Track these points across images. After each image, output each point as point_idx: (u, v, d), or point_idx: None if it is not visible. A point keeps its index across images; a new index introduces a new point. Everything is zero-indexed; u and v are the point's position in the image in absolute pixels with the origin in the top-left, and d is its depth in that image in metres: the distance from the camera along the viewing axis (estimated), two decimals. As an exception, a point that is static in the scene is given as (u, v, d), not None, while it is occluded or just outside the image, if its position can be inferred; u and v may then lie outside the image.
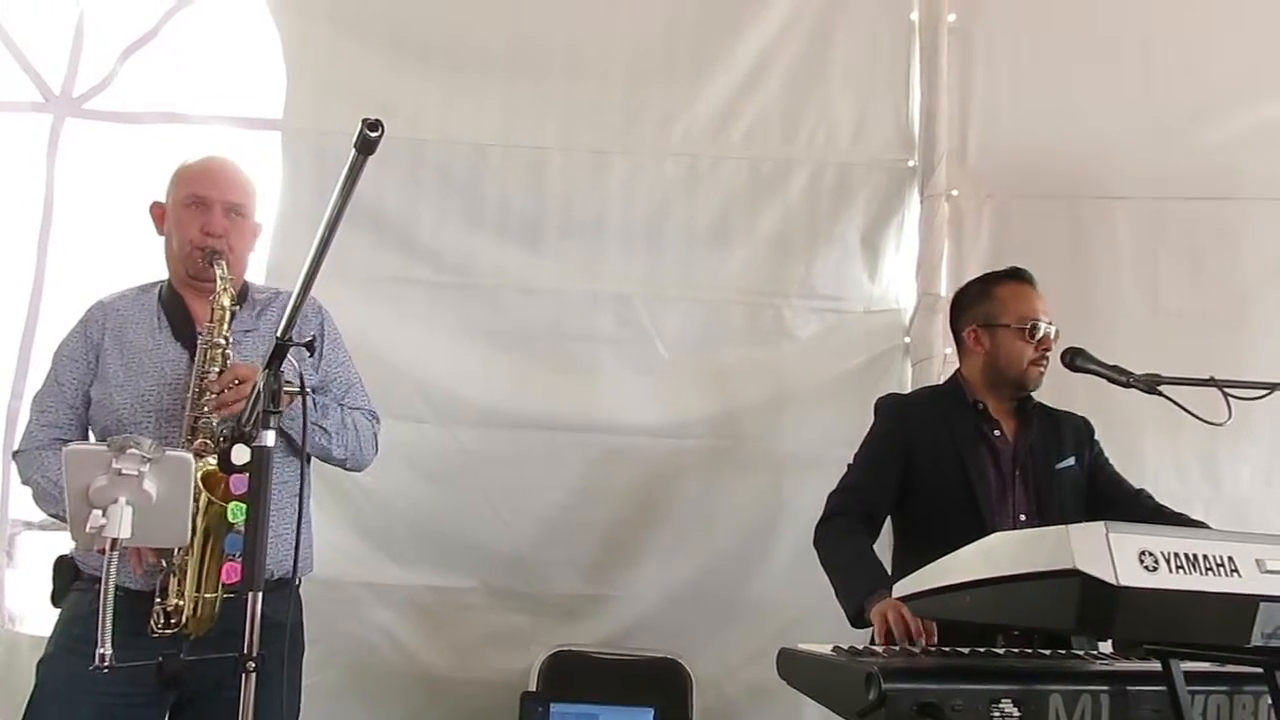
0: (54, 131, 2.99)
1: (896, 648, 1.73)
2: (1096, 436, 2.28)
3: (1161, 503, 2.18)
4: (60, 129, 3.00)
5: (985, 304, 2.26)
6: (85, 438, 1.98)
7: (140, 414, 1.92)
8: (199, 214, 1.98)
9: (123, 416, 1.92)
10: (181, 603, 1.79)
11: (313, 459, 2.07)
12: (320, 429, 2.01)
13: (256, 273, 2.75)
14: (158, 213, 2.07)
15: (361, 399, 2.17)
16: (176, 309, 2.02)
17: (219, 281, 1.91)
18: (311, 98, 2.95)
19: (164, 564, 1.79)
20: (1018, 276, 2.25)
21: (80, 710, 1.80)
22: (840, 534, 2.12)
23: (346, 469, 2.14)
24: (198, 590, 1.78)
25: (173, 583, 1.80)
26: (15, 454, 2.03)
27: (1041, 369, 2.18)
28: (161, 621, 1.78)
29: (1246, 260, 2.88)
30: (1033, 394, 2.23)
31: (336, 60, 2.96)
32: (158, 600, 1.79)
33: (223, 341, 1.89)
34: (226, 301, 1.91)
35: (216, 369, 1.87)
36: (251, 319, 2.05)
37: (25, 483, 2.00)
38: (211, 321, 1.91)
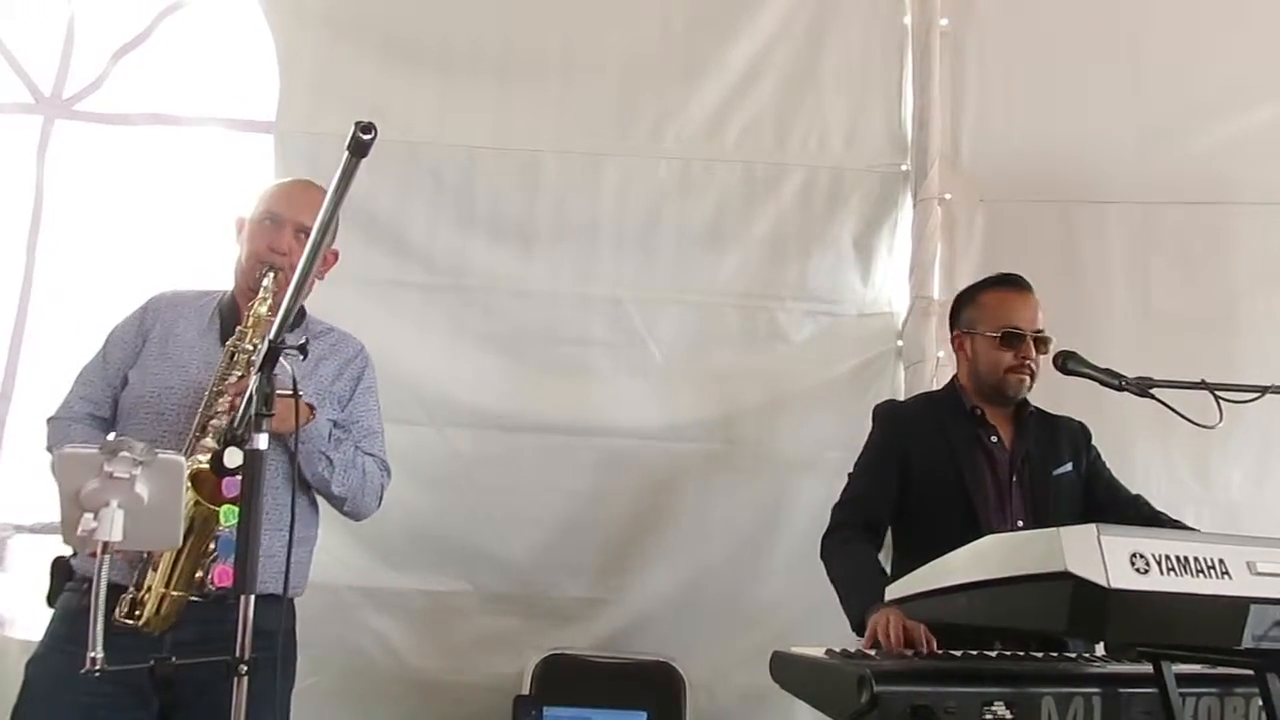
0: (44, 133, 2.98)
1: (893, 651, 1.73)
2: (1093, 442, 2.28)
3: (1159, 510, 2.17)
4: (50, 130, 2.99)
5: (971, 309, 2.27)
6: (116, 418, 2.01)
7: (165, 405, 1.94)
8: (270, 231, 2.01)
9: (147, 403, 1.95)
10: (146, 597, 1.77)
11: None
12: (325, 459, 1.99)
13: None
14: (240, 225, 2.09)
15: (378, 448, 2.15)
16: (231, 317, 2.03)
17: (262, 291, 1.93)
18: (304, 100, 2.94)
19: (144, 555, 1.77)
20: (1006, 283, 2.25)
21: (65, 710, 1.78)
22: (843, 546, 2.12)
23: (343, 512, 2.10)
24: (166, 586, 1.76)
25: (150, 575, 1.78)
26: (49, 420, 2.05)
27: (1021, 377, 2.17)
28: (124, 611, 1.76)
29: (1237, 264, 2.89)
30: (1028, 399, 2.23)
31: (329, 63, 2.95)
32: (131, 590, 1.77)
33: (250, 349, 1.89)
34: (264, 310, 1.92)
35: (238, 374, 1.87)
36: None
37: (49, 449, 2.01)
38: (245, 327, 1.91)
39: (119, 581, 1.79)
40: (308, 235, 1.98)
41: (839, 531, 2.16)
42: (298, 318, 2.07)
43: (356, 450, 2.07)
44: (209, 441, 1.82)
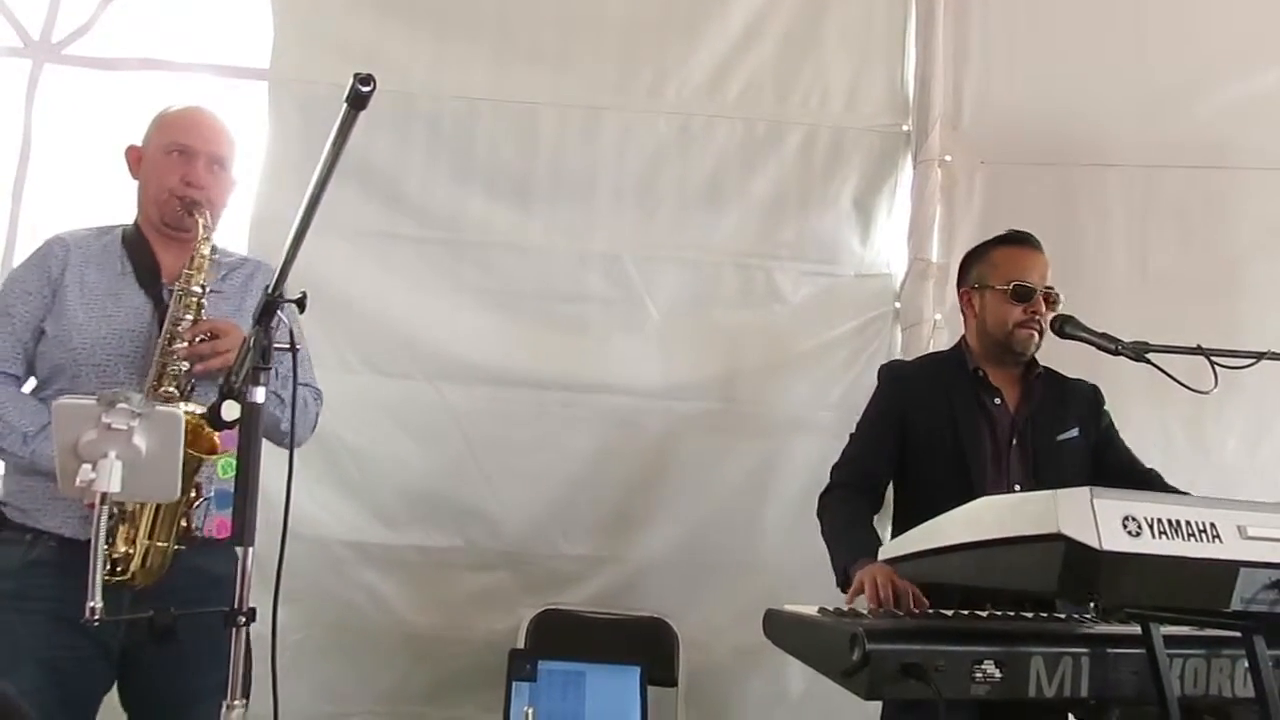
0: (32, 77, 2.92)
1: (883, 610, 1.75)
2: (1107, 408, 2.25)
3: (1172, 485, 2.14)
4: (39, 75, 2.93)
5: (981, 265, 2.25)
6: (30, 373, 1.94)
7: (101, 357, 1.88)
8: (181, 163, 1.95)
9: (80, 358, 1.87)
10: (131, 550, 1.75)
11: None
12: (278, 398, 1.94)
13: (241, 224, 2.72)
14: (133, 156, 2.03)
15: (310, 375, 2.12)
16: (142, 255, 1.97)
17: (201, 230, 1.89)
18: (299, 48, 2.88)
19: (114, 510, 1.74)
20: (1016, 240, 2.23)
21: (24, 669, 1.73)
22: (837, 505, 2.13)
23: (280, 444, 2.03)
24: (149, 537, 1.75)
25: (122, 530, 1.76)
26: None
27: (1030, 332, 2.15)
28: (108, 569, 1.73)
29: (1236, 229, 2.88)
30: (1036, 359, 2.21)
31: (325, 10, 2.89)
32: (105, 547, 1.75)
33: (199, 290, 1.87)
34: (207, 251, 1.89)
35: (190, 317, 1.85)
36: (216, 280, 1.99)
37: None
38: (191, 269, 1.88)
39: (76, 536, 1.77)
40: (220, 166, 1.98)
41: (834, 490, 2.17)
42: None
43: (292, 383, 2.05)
44: (169, 389, 1.81)
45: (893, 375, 2.30)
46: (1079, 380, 2.27)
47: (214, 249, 1.99)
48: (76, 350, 1.88)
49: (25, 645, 1.75)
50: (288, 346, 1.46)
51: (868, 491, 2.16)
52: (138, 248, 1.98)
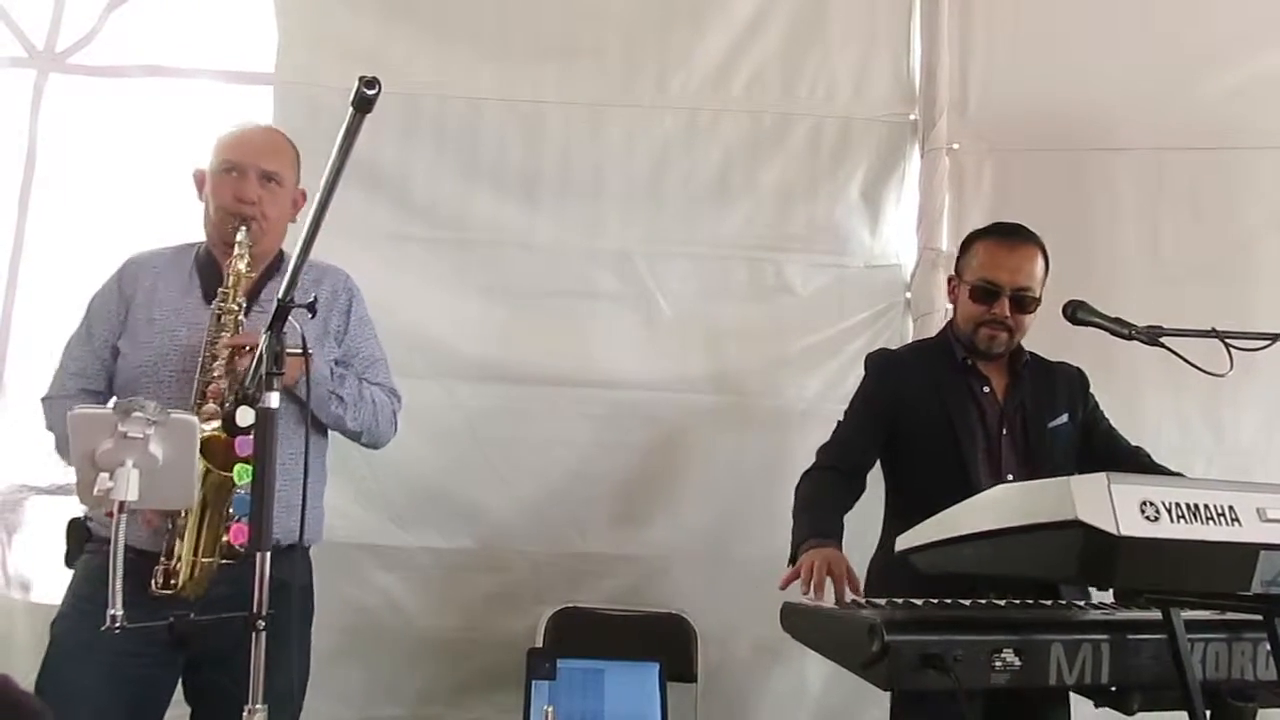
0: (37, 87, 2.93)
1: (899, 601, 1.74)
2: (1091, 389, 2.25)
3: (1159, 463, 2.15)
4: (44, 84, 2.94)
5: (963, 257, 2.25)
6: (111, 389, 2.00)
7: (163, 372, 1.93)
8: (234, 182, 1.99)
9: (144, 371, 1.94)
10: (179, 565, 1.80)
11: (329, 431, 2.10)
12: (336, 397, 2.01)
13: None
14: (199, 178, 2.07)
15: (383, 376, 2.18)
16: (211, 273, 2.02)
17: (237, 246, 1.92)
18: (303, 52, 2.89)
19: (170, 524, 1.80)
20: (997, 233, 2.20)
21: (91, 669, 1.82)
22: (809, 484, 2.13)
23: (362, 444, 2.16)
24: (195, 554, 1.79)
25: (177, 545, 1.81)
26: (44, 399, 2.05)
27: (993, 333, 2.13)
28: (160, 582, 1.79)
29: (1248, 210, 2.86)
30: (1023, 347, 2.20)
31: (329, 13, 2.90)
32: (163, 561, 1.81)
33: (236, 307, 1.90)
34: (243, 267, 1.91)
35: (228, 334, 1.88)
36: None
37: (49, 429, 2.02)
38: (226, 287, 1.91)
39: (147, 549, 1.81)
40: (274, 180, 2.00)
41: (813, 470, 2.16)
42: (276, 260, 2.06)
43: (361, 382, 2.09)
44: (210, 406, 1.83)
45: (881, 364, 2.29)
46: (1064, 364, 2.26)
47: (283, 256, 2.05)
48: (141, 366, 1.94)
49: (95, 647, 1.80)
50: (300, 352, 1.47)
51: (849, 474, 2.14)
52: (206, 266, 2.04)
